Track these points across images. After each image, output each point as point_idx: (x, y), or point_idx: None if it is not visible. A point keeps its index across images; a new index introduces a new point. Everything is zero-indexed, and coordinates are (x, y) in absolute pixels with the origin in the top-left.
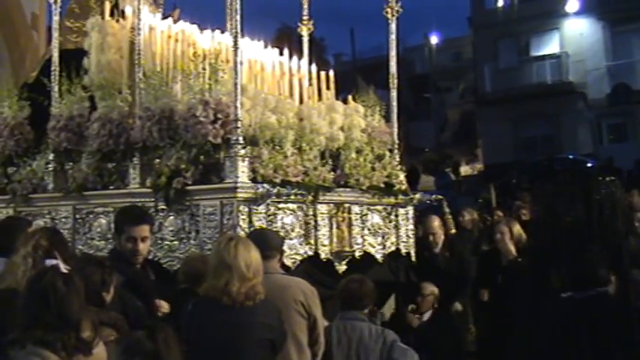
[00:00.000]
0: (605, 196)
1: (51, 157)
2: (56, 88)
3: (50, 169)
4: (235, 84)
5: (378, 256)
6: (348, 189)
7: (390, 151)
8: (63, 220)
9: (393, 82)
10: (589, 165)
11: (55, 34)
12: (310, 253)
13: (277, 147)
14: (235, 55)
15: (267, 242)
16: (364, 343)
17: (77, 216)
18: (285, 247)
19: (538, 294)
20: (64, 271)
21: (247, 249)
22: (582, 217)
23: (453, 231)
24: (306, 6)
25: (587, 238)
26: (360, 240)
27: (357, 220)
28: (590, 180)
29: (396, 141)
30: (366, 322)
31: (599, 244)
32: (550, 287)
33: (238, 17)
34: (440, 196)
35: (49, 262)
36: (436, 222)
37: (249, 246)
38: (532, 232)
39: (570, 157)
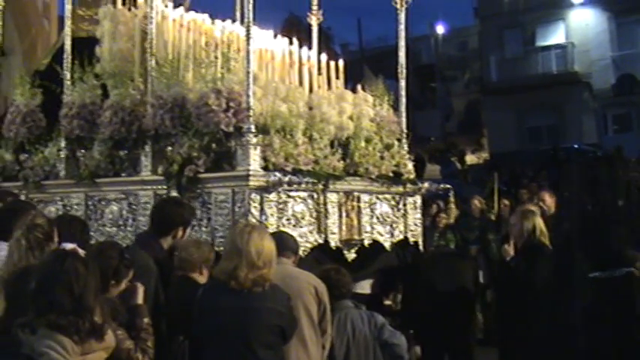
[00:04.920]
0: (632, 179)
1: (63, 144)
2: (68, 76)
3: (62, 156)
4: (247, 73)
5: (387, 245)
6: (357, 178)
7: (399, 140)
8: (75, 206)
9: (402, 72)
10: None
11: (68, 22)
12: (320, 241)
13: (288, 136)
14: (248, 44)
15: (283, 243)
16: (358, 328)
17: (89, 203)
18: (295, 235)
19: (563, 277)
20: (82, 255)
21: (261, 237)
22: (608, 201)
23: (452, 220)
24: None
25: (614, 220)
26: (368, 228)
27: (366, 208)
28: (617, 163)
29: (404, 130)
30: (355, 308)
31: (626, 226)
32: (576, 269)
33: (251, 6)
34: (447, 185)
35: (67, 245)
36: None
37: (264, 235)
38: (558, 215)
39: (575, 146)
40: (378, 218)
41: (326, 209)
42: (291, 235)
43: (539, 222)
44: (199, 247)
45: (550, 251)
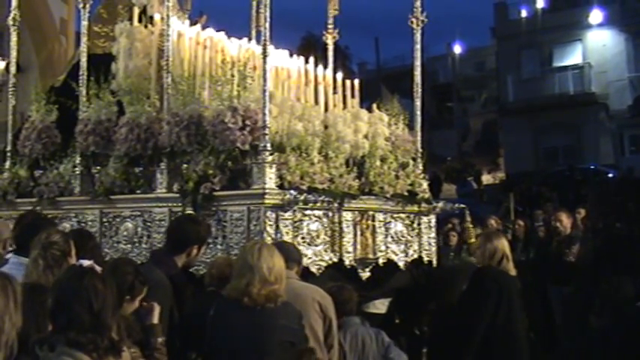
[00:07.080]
0: None
1: (78, 160)
2: (84, 93)
3: (77, 172)
4: (264, 91)
5: (401, 264)
6: (372, 197)
7: (414, 159)
8: (89, 223)
9: (418, 92)
10: (609, 175)
11: (84, 39)
12: (335, 259)
13: (304, 154)
14: (264, 62)
15: (287, 254)
16: (367, 345)
17: (104, 219)
18: (310, 254)
19: (604, 302)
20: (99, 272)
21: (271, 254)
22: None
23: (473, 240)
24: (331, 14)
25: None
26: (383, 247)
27: (380, 227)
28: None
29: (419, 149)
30: (364, 325)
31: None
32: (620, 295)
33: (268, 25)
34: (462, 205)
35: (85, 262)
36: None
37: (274, 252)
38: (589, 239)
39: (592, 167)
40: (392, 237)
41: (341, 228)
42: (294, 245)
43: (503, 245)
44: (231, 265)
45: (505, 278)
